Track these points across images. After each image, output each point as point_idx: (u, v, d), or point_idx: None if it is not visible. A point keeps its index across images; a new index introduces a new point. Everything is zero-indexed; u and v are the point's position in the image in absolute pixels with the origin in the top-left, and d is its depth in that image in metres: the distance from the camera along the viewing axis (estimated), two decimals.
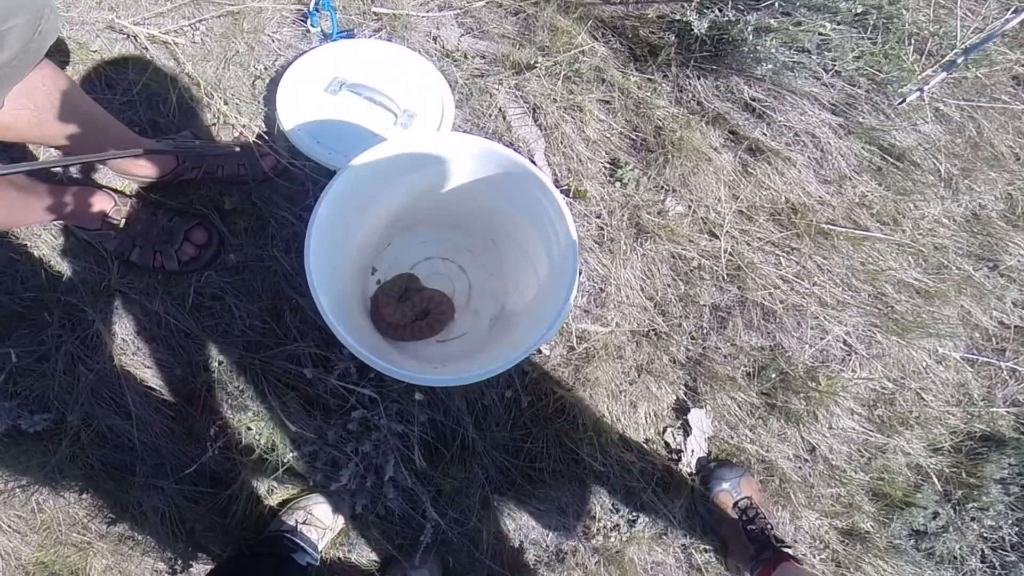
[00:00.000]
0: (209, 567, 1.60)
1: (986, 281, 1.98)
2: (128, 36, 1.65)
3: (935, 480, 1.88)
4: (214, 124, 1.63)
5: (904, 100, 1.79)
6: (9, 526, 1.61)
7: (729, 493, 1.74)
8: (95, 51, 1.63)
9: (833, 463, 1.84)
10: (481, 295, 1.63)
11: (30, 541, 1.62)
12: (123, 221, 1.51)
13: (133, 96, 1.62)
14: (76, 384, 1.55)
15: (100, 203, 1.49)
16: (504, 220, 1.50)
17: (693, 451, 1.76)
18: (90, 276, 1.57)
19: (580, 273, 1.37)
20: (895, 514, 1.85)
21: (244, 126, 1.61)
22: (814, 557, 1.84)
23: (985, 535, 1.89)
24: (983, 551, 1.89)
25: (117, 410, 1.56)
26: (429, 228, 1.64)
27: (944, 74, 1.72)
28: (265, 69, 1.69)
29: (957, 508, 1.89)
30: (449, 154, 1.32)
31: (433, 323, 1.54)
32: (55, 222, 1.55)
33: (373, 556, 1.68)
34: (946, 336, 1.92)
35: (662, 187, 1.80)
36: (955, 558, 1.88)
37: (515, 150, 1.33)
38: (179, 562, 1.60)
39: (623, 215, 1.76)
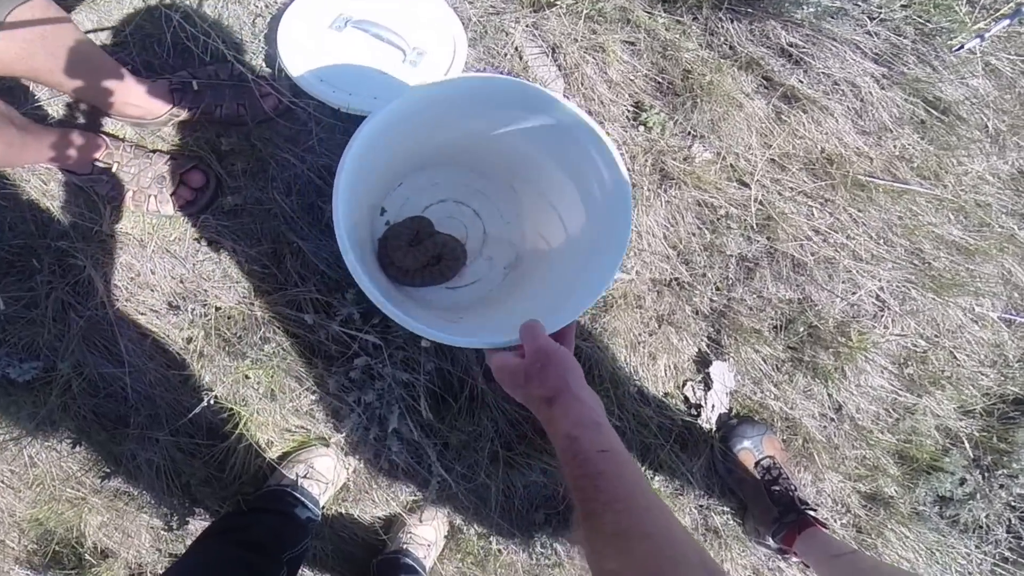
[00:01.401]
0: (206, 523, 1.53)
1: None
2: None
3: (965, 444, 1.79)
4: (212, 64, 1.52)
5: (962, 47, 1.66)
6: (2, 481, 1.57)
7: (751, 452, 1.66)
8: None
9: (860, 423, 1.75)
10: (496, 242, 1.54)
11: (24, 497, 1.58)
12: (115, 165, 1.43)
13: (126, 36, 1.52)
14: (67, 331, 1.48)
15: (91, 146, 1.40)
16: (528, 166, 1.41)
17: (714, 406, 1.68)
18: (81, 221, 1.48)
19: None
20: (921, 479, 1.77)
21: (244, 65, 1.50)
22: (835, 521, 1.76)
23: (1013, 503, 1.80)
24: (1010, 520, 1.80)
25: (110, 358, 1.50)
26: (444, 169, 1.54)
27: (1007, 22, 1.59)
28: (266, 6, 1.58)
29: (985, 474, 1.80)
30: (488, 99, 1.23)
31: (445, 269, 1.46)
32: (46, 165, 1.46)
33: (377, 512, 1.62)
34: (984, 295, 1.82)
35: (689, 132, 1.69)
36: (980, 527, 1.79)
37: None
38: (175, 518, 1.55)
39: (646, 160, 1.65)
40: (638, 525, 0.69)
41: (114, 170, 1.43)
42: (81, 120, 1.50)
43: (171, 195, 1.45)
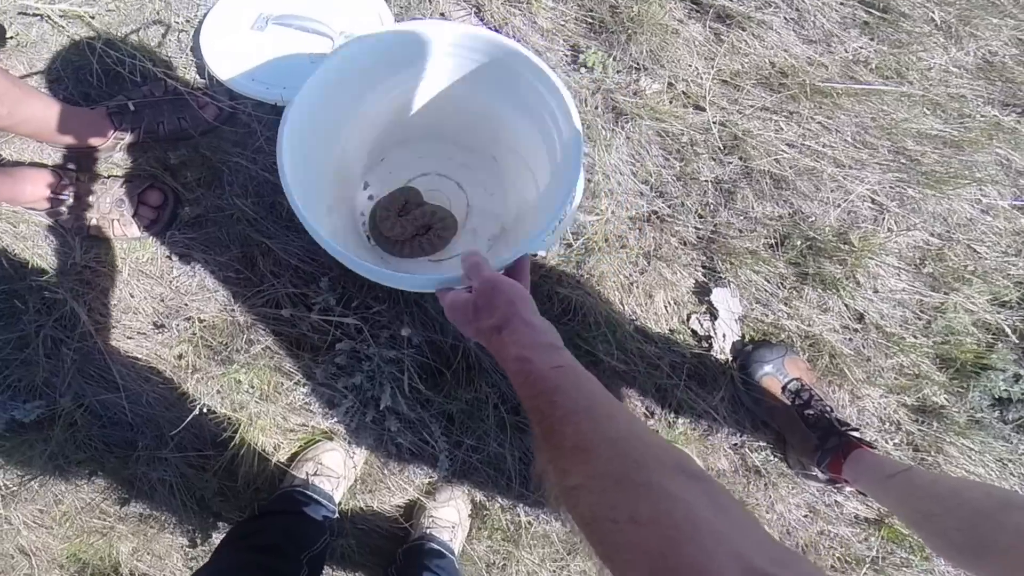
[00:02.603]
0: None
1: (1018, 126, 1.77)
2: (42, 16, 1.64)
3: (1010, 334, 1.67)
4: (145, 84, 1.59)
5: None
6: (34, 522, 1.60)
7: (775, 377, 1.56)
8: (11, 37, 1.62)
9: (887, 330, 1.65)
10: (480, 214, 1.54)
11: (56, 534, 1.60)
12: (70, 197, 1.48)
13: (58, 72, 1.60)
14: (61, 366, 1.51)
15: (41, 182, 1.47)
16: (504, 130, 1.42)
17: (724, 335, 1.61)
18: (55, 256, 1.54)
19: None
20: (970, 382, 1.64)
21: (176, 80, 1.57)
22: (887, 442, 1.64)
23: None
24: None
25: (106, 385, 1.53)
26: (426, 143, 1.56)
27: None
28: (187, 21, 1.65)
29: None
30: (425, 47, 1.24)
31: (434, 239, 1.46)
32: (11, 208, 1.53)
33: (395, 500, 1.58)
34: (987, 184, 1.73)
35: (632, 67, 1.68)
36: None
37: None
38: (198, 534, 1.54)
39: (596, 100, 1.65)
40: (600, 431, 0.64)
41: (70, 202, 1.48)
42: (28, 158, 1.58)
43: (133, 216, 1.50)
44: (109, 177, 1.53)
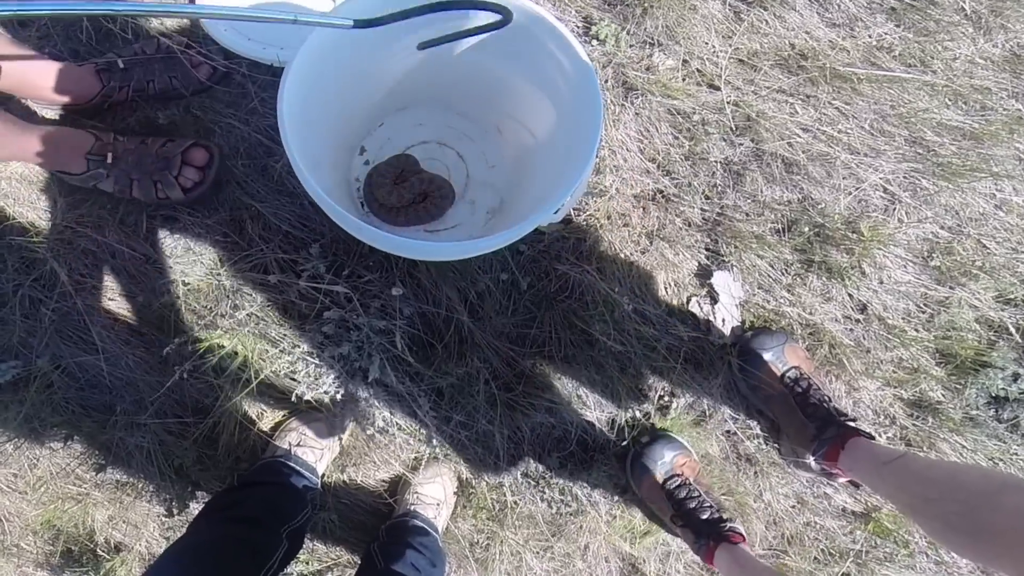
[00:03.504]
0: None
1: None
2: None
3: (1012, 332, 1.64)
4: (137, 42, 1.51)
5: None
6: (8, 486, 1.57)
7: (774, 364, 1.53)
8: None
9: (889, 322, 1.62)
10: (479, 186, 1.51)
11: (31, 499, 1.57)
12: (109, 157, 1.39)
13: (47, 29, 1.52)
14: (39, 326, 1.47)
15: (78, 143, 1.38)
16: (512, 100, 1.38)
17: (724, 320, 1.57)
18: (37, 216, 1.48)
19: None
20: (968, 378, 1.62)
21: (170, 38, 1.49)
22: (880, 435, 1.62)
23: None
24: None
25: (85, 347, 1.48)
26: (427, 109, 1.51)
27: None
28: None
29: None
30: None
31: (431, 207, 1.43)
32: (36, 166, 1.45)
33: (380, 475, 1.55)
34: (1004, 178, 1.68)
35: (646, 41, 1.62)
36: None
37: None
38: (176, 503, 1.52)
39: (606, 74, 1.59)
40: None
41: (110, 162, 1.39)
42: (57, 117, 1.50)
43: (176, 177, 1.41)
44: (149, 136, 1.45)
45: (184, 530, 1.40)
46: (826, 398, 1.49)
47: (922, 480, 1.16)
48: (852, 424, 1.44)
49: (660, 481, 1.51)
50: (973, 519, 0.99)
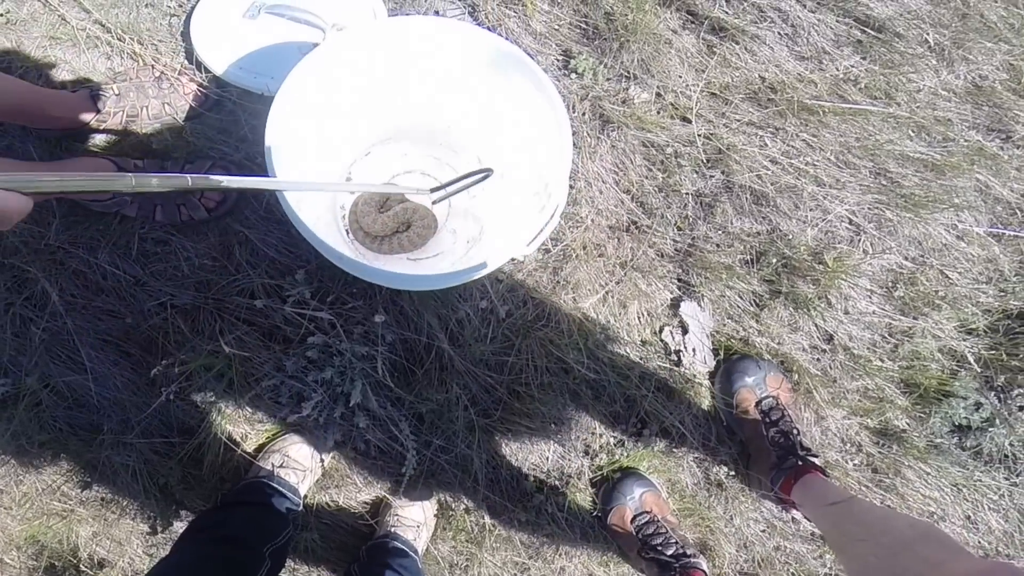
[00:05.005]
0: None
1: (1001, 152, 1.79)
2: None
3: (972, 363, 1.70)
4: (133, 66, 1.56)
5: None
6: None
7: (752, 389, 1.58)
8: (2, 15, 1.58)
9: (855, 352, 1.68)
10: (460, 215, 1.55)
11: (15, 515, 1.58)
12: None
13: (47, 53, 1.57)
14: (29, 345, 1.50)
15: (101, 171, 1.41)
16: (492, 132, 1.43)
17: (695, 349, 1.62)
18: (29, 236, 1.51)
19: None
20: (932, 407, 1.67)
21: (164, 65, 1.54)
22: (847, 463, 1.67)
23: None
24: None
25: (74, 367, 1.51)
26: (411, 140, 1.56)
27: None
28: (179, 6, 1.62)
29: (1001, 396, 1.69)
30: (416, 43, 1.25)
31: (414, 236, 1.47)
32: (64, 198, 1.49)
33: (361, 497, 1.59)
34: (965, 209, 1.75)
35: (622, 75, 1.69)
36: (1006, 456, 1.68)
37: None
38: (160, 521, 1.54)
39: (584, 107, 1.65)
40: None
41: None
42: (82, 146, 1.53)
43: (199, 199, 1.47)
44: (168, 160, 1.49)
45: (168, 548, 1.43)
46: (795, 430, 1.54)
47: (858, 522, 1.20)
48: (812, 459, 1.49)
49: (629, 517, 1.56)
50: (890, 563, 1.02)
